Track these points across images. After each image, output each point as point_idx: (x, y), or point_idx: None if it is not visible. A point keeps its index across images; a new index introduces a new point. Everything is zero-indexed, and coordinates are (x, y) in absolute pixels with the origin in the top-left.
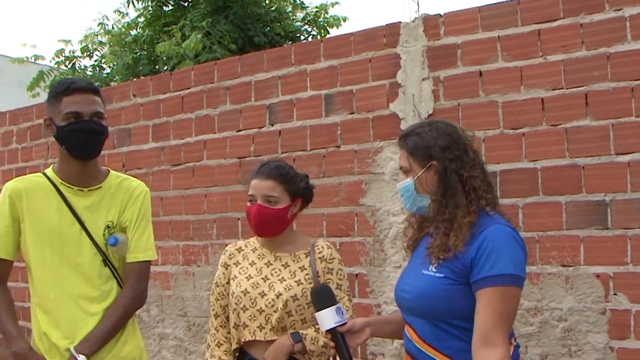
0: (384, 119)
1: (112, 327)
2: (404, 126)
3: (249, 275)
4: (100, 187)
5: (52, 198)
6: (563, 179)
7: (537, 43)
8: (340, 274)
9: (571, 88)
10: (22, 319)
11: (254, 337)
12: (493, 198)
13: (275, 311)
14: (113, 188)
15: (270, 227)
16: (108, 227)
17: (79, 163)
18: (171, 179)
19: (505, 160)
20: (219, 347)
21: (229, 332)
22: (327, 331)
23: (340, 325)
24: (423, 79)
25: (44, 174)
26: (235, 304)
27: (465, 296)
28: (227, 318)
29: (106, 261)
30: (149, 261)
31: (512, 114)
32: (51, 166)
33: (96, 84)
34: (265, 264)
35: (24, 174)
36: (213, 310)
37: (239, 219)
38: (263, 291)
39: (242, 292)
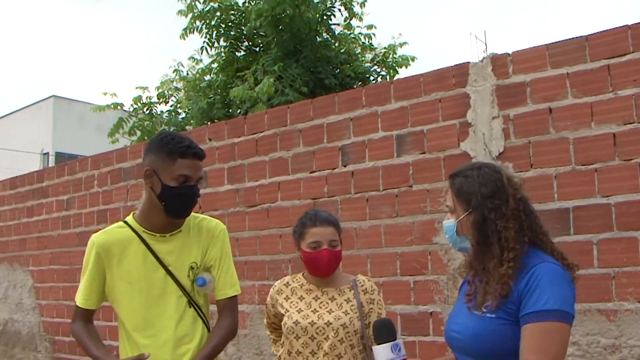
0: (455, 158)
1: (209, 354)
2: None
3: (299, 308)
4: (180, 231)
5: (137, 247)
6: (638, 214)
7: (607, 78)
8: (380, 304)
9: None
10: None
11: None
12: (546, 239)
13: (326, 339)
14: (193, 229)
15: (335, 267)
16: (192, 268)
17: (167, 217)
18: (246, 220)
19: (577, 196)
20: (274, 343)
21: (278, 335)
22: None
23: None
24: (493, 118)
25: (126, 223)
26: (289, 333)
27: (517, 335)
28: (274, 326)
29: (191, 302)
30: (237, 295)
31: (583, 150)
32: (132, 213)
33: (172, 128)
34: (313, 298)
35: (105, 216)
36: (265, 322)
37: None
38: (312, 321)
39: (293, 323)
